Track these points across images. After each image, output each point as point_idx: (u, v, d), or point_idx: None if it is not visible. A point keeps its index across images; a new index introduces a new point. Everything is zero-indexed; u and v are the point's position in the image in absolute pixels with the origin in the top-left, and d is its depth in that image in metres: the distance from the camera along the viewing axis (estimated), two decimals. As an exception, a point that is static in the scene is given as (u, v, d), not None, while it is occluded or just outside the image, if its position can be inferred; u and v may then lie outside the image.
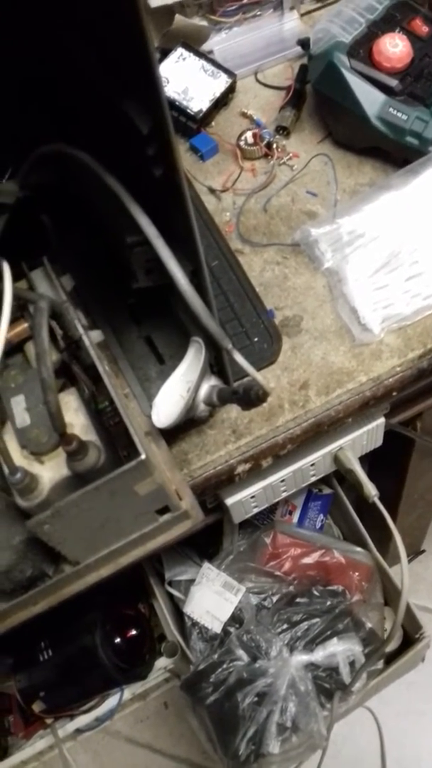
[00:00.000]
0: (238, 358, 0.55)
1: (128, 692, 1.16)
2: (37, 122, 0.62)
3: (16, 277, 0.62)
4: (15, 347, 0.65)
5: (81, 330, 0.62)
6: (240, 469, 0.74)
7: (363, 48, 0.84)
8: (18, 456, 0.58)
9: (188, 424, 0.72)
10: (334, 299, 0.80)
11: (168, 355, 0.75)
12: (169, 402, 0.66)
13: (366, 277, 0.78)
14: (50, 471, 0.57)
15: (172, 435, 0.72)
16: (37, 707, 1.09)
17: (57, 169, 0.67)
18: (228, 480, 0.74)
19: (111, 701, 1.15)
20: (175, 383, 0.67)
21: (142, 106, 0.47)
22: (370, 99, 0.83)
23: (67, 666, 1.08)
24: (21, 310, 0.65)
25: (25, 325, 0.64)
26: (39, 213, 0.73)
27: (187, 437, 0.74)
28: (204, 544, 1.18)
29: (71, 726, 1.14)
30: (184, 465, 0.72)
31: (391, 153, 0.87)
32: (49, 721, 1.15)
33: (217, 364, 0.68)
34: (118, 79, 0.48)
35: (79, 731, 1.17)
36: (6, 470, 0.57)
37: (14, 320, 0.62)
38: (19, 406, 0.60)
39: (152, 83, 0.43)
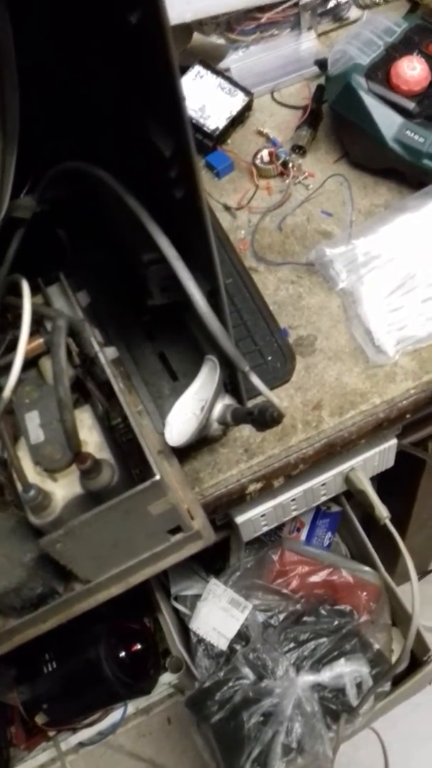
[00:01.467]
0: (255, 380, 0.55)
1: (132, 707, 1.16)
2: (58, 138, 0.62)
3: (32, 291, 0.62)
4: (29, 362, 0.65)
5: (97, 347, 0.62)
6: (251, 488, 0.73)
7: (381, 70, 0.84)
8: (31, 473, 0.58)
9: (200, 443, 0.72)
10: (348, 320, 0.80)
11: (181, 372, 0.75)
12: (182, 420, 0.66)
13: (381, 299, 0.78)
14: (63, 489, 0.57)
15: (184, 453, 0.72)
16: (39, 719, 1.09)
17: (74, 185, 0.67)
18: (239, 499, 0.74)
19: (114, 715, 1.15)
20: (188, 401, 0.66)
21: (166, 128, 0.47)
22: (388, 121, 0.83)
23: (70, 679, 1.08)
24: (36, 325, 0.65)
25: (41, 340, 0.64)
26: (55, 228, 0.73)
27: (199, 455, 0.74)
28: (210, 560, 1.17)
29: (74, 739, 1.13)
30: (195, 483, 0.72)
31: (407, 175, 0.87)
32: (51, 733, 1.15)
33: (231, 382, 0.68)
34: (142, 100, 0.48)
35: (81, 744, 1.16)
36: (19, 487, 0.57)
37: (29, 335, 0.62)
38: (33, 422, 0.60)
39: (176, 106, 0.43)
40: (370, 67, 0.84)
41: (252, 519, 0.82)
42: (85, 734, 1.13)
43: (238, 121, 0.96)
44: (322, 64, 0.96)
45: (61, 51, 0.53)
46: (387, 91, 0.83)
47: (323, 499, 0.89)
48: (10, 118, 0.55)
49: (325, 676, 1.01)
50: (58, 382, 0.53)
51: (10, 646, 0.62)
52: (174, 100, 0.43)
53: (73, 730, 1.14)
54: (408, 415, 0.76)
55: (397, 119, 0.82)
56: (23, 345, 0.54)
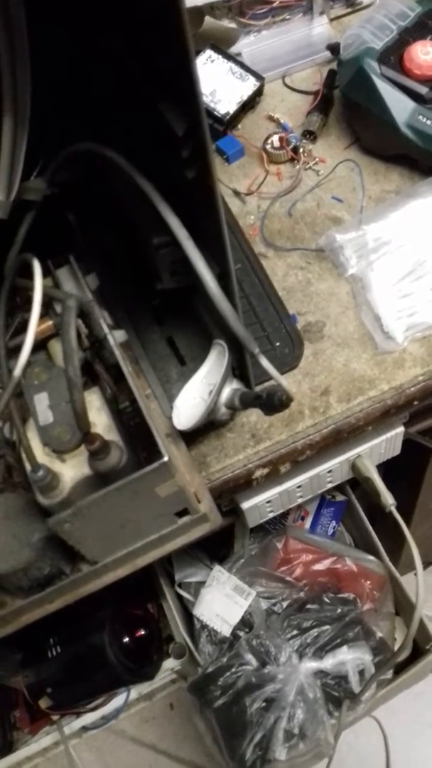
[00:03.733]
0: (265, 363, 0.55)
1: (135, 692, 1.16)
2: (69, 120, 0.62)
3: (42, 274, 0.62)
4: (39, 344, 0.65)
5: (106, 329, 0.62)
6: (258, 473, 0.73)
7: (394, 55, 0.84)
8: (40, 453, 0.58)
9: (208, 427, 0.72)
10: (357, 306, 0.79)
11: (189, 357, 0.75)
12: (189, 404, 0.66)
13: (390, 285, 0.78)
14: (72, 469, 0.57)
15: (191, 437, 0.72)
16: (43, 703, 1.09)
17: (85, 168, 0.67)
18: (245, 484, 0.74)
19: (117, 700, 1.15)
20: (196, 385, 0.66)
21: (179, 107, 0.47)
22: (400, 106, 0.82)
23: (75, 663, 1.08)
24: (46, 307, 0.65)
25: (50, 322, 0.64)
26: (65, 211, 0.73)
27: (206, 440, 0.74)
28: (215, 547, 1.18)
29: (77, 723, 1.14)
30: (202, 468, 0.72)
31: (419, 161, 0.87)
32: (55, 717, 1.15)
33: (239, 367, 0.67)
34: (156, 79, 0.48)
35: (84, 729, 1.17)
36: (28, 467, 0.57)
37: (39, 318, 0.62)
38: (42, 403, 0.60)
39: (190, 85, 0.43)
40: (383, 51, 0.84)
41: (258, 505, 0.82)
42: (88, 718, 1.14)
43: (248, 106, 0.95)
44: (334, 48, 0.95)
45: (74, 31, 0.53)
46: (400, 76, 0.82)
47: (329, 486, 0.89)
48: (21, 99, 0.55)
49: (328, 663, 1.01)
50: (68, 362, 0.53)
51: (17, 626, 0.62)
52: (188, 77, 0.42)
53: (77, 714, 1.14)
54: (416, 402, 0.76)
55: (410, 104, 0.82)
56: (34, 325, 0.54)
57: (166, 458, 0.53)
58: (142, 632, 1.13)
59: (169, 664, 1.14)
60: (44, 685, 1.09)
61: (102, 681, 1.11)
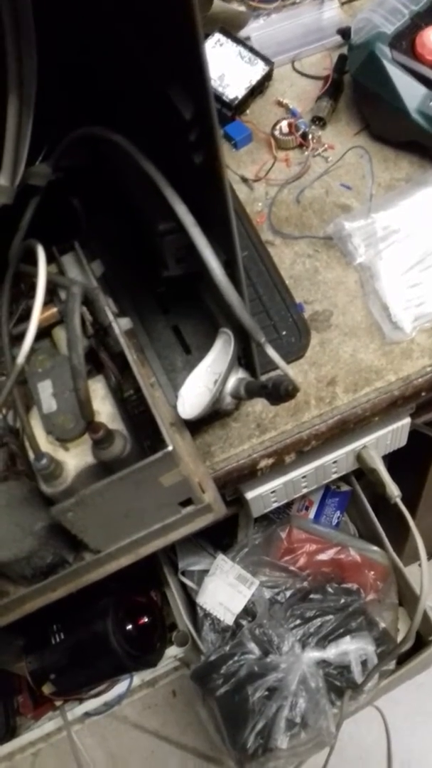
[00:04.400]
0: (271, 352, 0.54)
1: (137, 679, 1.17)
2: (74, 105, 0.61)
3: (46, 261, 0.61)
4: (43, 332, 0.64)
5: (111, 317, 0.62)
6: (263, 463, 0.73)
7: (405, 39, 0.82)
8: (43, 442, 0.58)
9: (213, 416, 0.72)
10: (365, 295, 0.78)
11: (194, 346, 0.74)
12: (194, 393, 0.65)
13: (399, 275, 0.77)
14: (75, 458, 0.57)
15: (195, 426, 0.71)
16: (47, 689, 1.10)
17: (90, 153, 0.66)
18: (250, 474, 0.74)
19: (120, 687, 1.16)
20: (201, 374, 0.66)
21: (187, 91, 0.46)
22: (411, 92, 0.81)
23: (78, 650, 1.09)
24: (50, 294, 0.64)
25: (54, 309, 0.64)
26: (70, 196, 0.72)
27: (211, 429, 0.73)
28: (218, 536, 1.18)
29: (80, 709, 1.14)
30: (207, 457, 0.72)
31: (430, 148, 0.85)
32: (58, 703, 1.16)
33: (245, 356, 0.67)
34: (164, 62, 0.47)
35: (87, 715, 1.17)
36: (31, 456, 0.56)
37: (43, 305, 0.61)
38: (45, 391, 0.59)
39: (199, 68, 0.42)
40: (395, 36, 0.82)
41: (262, 495, 0.82)
42: (91, 705, 1.14)
43: (257, 90, 0.94)
44: (344, 33, 0.93)
45: (80, 14, 0.52)
46: (411, 61, 0.81)
47: (334, 476, 0.88)
48: (26, 83, 0.54)
49: (331, 652, 1.01)
50: (72, 349, 0.52)
51: (21, 614, 0.62)
52: (197, 60, 0.42)
53: (80, 700, 1.15)
54: (423, 393, 0.75)
55: (421, 90, 0.80)
56: (38, 311, 0.53)
57: (170, 448, 0.53)
58: (146, 620, 1.14)
59: (172, 651, 1.15)
60: (47, 671, 1.09)
61: (105, 668, 1.12)
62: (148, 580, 1.20)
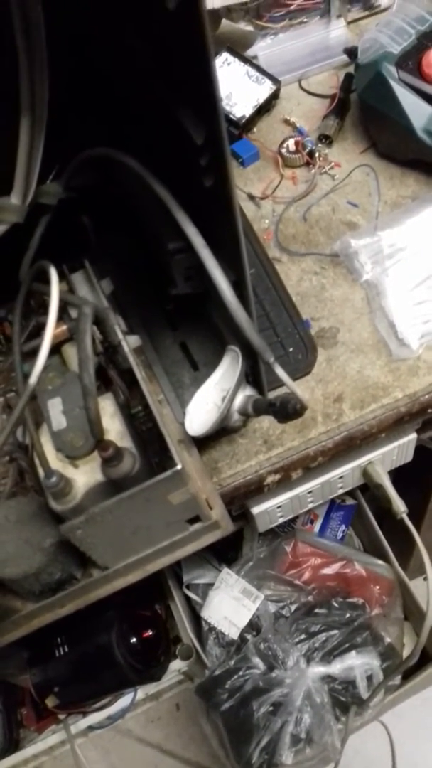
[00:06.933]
0: (280, 372, 0.55)
1: (141, 692, 1.16)
2: (86, 125, 0.62)
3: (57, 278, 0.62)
4: (53, 349, 0.65)
5: (120, 336, 0.62)
6: (269, 479, 0.73)
7: (412, 59, 0.83)
8: (53, 459, 0.58)
9: (220, 433, 0.72)
10: (372, 312, 0.79)
11: (202, 362, 0.74)
12: (202, 410, 0.65)
13: (405, 292, 0.77)
14: (84, 475, 0.57)
15: (203, 443, 0.71)
16: (50, 702, 1.10)
17: (101, 172, 0.67)
18: (257, 490, 0.74)
19: (124, 700, 1.16)
20: (208, 391, 0.66)
21: (198, 116, 0.47)
22: (418, 111, 0.82)
23: (82, 663, 1.09)
24: (60, 311, 0.65)
25: (65, 327, 0.64)
26: (80, 215, 0.73)
27: (218, 445, 0.74)
28: (223, 550, 1.18)
29: (83, 723, 1.14)
30: (214, 473, 0.72)
31: (436, 166, 0.86)
32: (61, 716, 1.16)
33: (252, 373, 0.67)
34: (175, 87, 0.48)
35: (91, 728, 1.17)
36: (41, 473, 0.57)
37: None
38: (55, 408, 0.60)
39: (210, 93, 0.43)
40: (402, 56, 0.83)
41: (268, 510, 0.82)
42: (94, 718, 1.14)
43: (264, 109, 0.95)
44: (351, 52, 0.94)
45: (93, 36, 0.53)
46: (418, 81, 0.82)
47: (340, 491, 0.88)
48: (38, 103, 0.55)
49: (336, 668, 1.01)
50: (84, 369, 0.53)
51: (28, 630, 0.63)
52: (209, 86, 0.42)
53: (83, 713, 1.15)
54: (430, 410, 0.76)
55: (428, 109, 0.81)
56: (50, 331, 0.54)
57: (179, 467, 0.53)
58: (150, 633, 1.13)
59: (176, 665, 1.14)
60: (51, 684, 1.09)
61: (109, 681, 1.11)
62: (153, 594, 1.20)
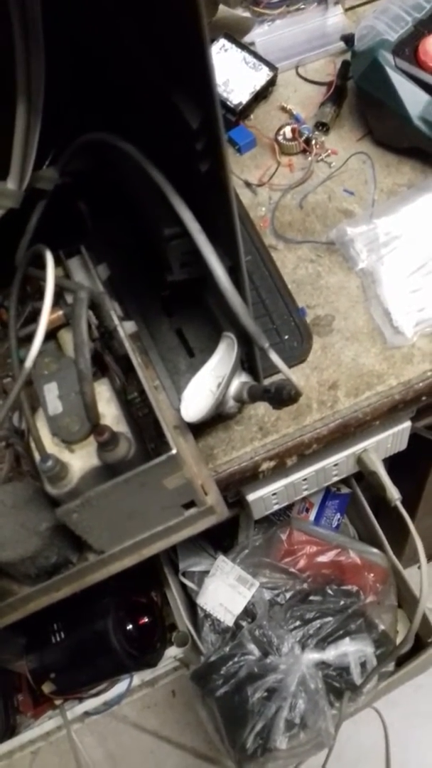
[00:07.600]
0: (275, 358, 0.55)
1: (137, 678, 1.17)
2: (82, 110, 0.62)
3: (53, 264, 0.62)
4: (48, 334, 0.65)
5: (116, 321, 0.62)
6: (264, 466, 0.74)
7: (409, 47, 0.83)
8: (49, 443, 0.58)
9: (215, 419, 0.72)
10: (367, 300, 0.79)
11: (198, 349, 0.75)
12: (198, 396, 0.66)
13: (401, 280, 0.78)
14: (80, 460, 0.57)
15: (198, 429, 0.72)
16: (47, 688, 1.10)
17: (97, 158, 0.67)
18: (252, 476, 0.74)
19: (120, 686, 1.16)
20: (204, 377, 0.66)
21: (194, 100, 0.47)
22: (414, 99, 0.81)
23: (78, 649, 1.09)
24: (56, 297, 0.65)
25: (60, 312, 0.64)
26: (76, 200, 0.73)
27: (214, 432, 0.74)
28: (219, 537, 1.18)
29: (80, 708, 1.15)
30: (209, 460, 0.72)
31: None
32: (58, 702, 1.17)
33: (248, 360, 0.68)
34: (172, 71, 0.48)
35: (87, 714, 1.18)
36: (37, 457, 0.57)
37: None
38: (51, 393, 0.60)
39: (206, 78, 0.43)
40: (398, 43, 0.83)
41: (263, 497, 0.83)
42: (91, 704, 1.15)
43: (261, 96, 0.94)
44: (348, 39, 0.94)
45: (89, 21, 0.53)
46: (414, 68, 0.81)
47: (335, 479, 0.89)
48: (35, 88, 0.55)
49: (330, 654, 1.02)
50: (79, 354, 0.53)
51: (25, 613, 0.63)
52: (204, 70, 0.42)
53: (80, 699, 1.16)
54: (424, 398, 0.76)
55: (424, 97, 0.81)
56: (46, 316, 0.54)
57: (174, 451, 0.53)
58: (146, 620, 1.14)
59: (172, 651, 1.15)
60: (48, 670, 1.10)
61: (105, 667, 1.12)
62: (149, 581, 1.21)
